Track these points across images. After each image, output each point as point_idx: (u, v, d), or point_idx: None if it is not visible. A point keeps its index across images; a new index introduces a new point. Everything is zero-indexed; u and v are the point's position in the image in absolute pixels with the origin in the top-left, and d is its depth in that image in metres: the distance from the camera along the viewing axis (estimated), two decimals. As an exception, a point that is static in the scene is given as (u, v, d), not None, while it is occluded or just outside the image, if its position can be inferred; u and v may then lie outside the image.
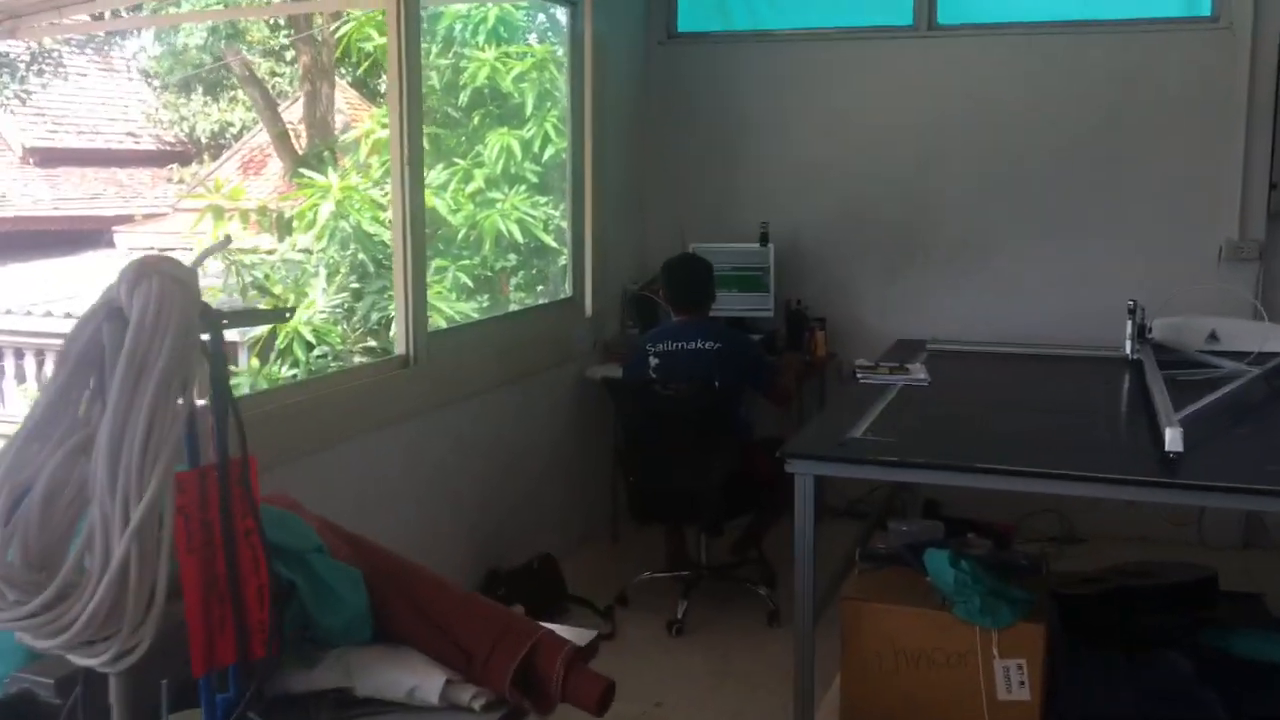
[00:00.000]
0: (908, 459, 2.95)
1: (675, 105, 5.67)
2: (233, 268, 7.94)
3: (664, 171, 5.70)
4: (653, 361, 4.38)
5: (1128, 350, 4.23)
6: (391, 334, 5.55)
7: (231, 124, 13.34)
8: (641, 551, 4.79)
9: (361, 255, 7.34)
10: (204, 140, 13.80)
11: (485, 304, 7.19)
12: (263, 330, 7.40)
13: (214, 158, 13.08)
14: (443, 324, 6.06)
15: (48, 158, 12.06)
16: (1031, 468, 2.82)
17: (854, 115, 5.40)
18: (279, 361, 7.45)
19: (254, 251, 8.19)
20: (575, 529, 5.00)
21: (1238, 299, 4.70)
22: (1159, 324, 4.33)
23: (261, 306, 7.85)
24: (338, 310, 7.89)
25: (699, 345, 4.34)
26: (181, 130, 14.24)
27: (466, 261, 7.09)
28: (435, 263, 6.81)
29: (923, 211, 5.34)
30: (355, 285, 7.71)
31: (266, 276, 8.17)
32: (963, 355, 4.58)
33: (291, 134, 10.08)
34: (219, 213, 8.42)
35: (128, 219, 11.58)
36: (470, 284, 6.85)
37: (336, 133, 9.60)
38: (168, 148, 14.49)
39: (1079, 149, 5.08)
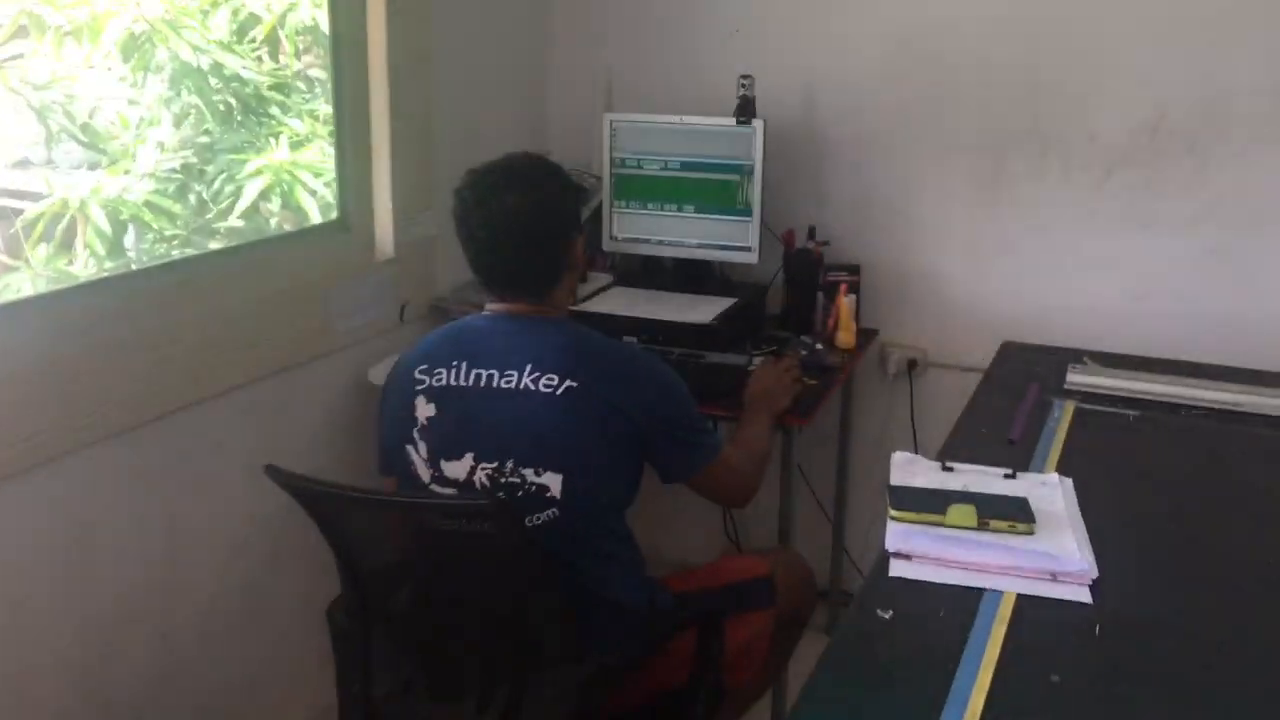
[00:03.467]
0: None
1: None
2: (32, 108, 5.34)
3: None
4: (422, 411, 1.87)
5: None
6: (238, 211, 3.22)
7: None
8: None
9: (195, 99, 4.78)
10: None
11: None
12: (46, 206, 4.91)
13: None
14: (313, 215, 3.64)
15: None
16: None
17: None
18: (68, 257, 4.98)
19: (55, 83, 5.57)
20: None
21: None
22: None
23: (90, 162, 5.32)
24: (174, 176, 5.30)
25: (528, 382, 1.81)
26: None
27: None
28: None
29: (1062, 64, 2.65)
30: (205, 139, 5.12)
31: (86, 125, 5.52)
32: (1170, 411, 1.99)
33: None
34: (37, 21, 5.78)
35: None
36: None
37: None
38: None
39: None
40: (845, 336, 2.68)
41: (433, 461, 1.84)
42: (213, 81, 3.93)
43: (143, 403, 2.02)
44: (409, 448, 1.87)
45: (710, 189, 2.75)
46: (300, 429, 2.40)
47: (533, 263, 1.86)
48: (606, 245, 2.86)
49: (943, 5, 2.69)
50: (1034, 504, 1.56)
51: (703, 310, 2.62)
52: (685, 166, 2.76)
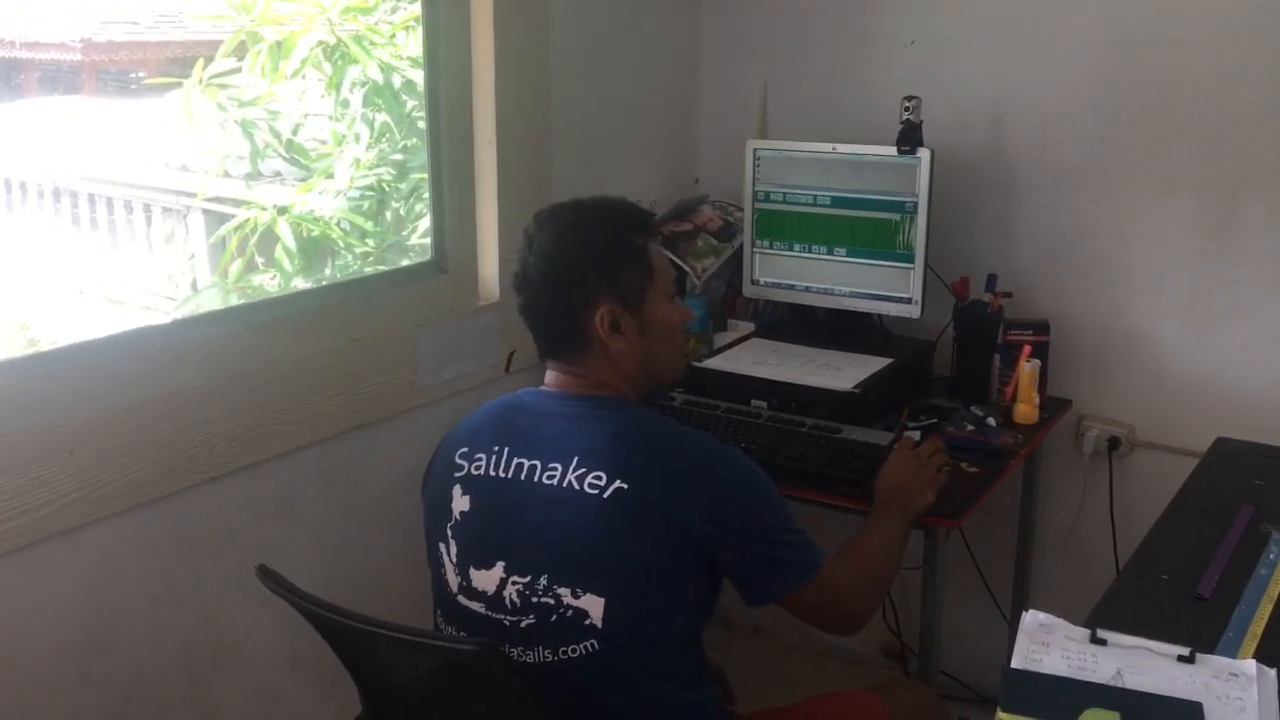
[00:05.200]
0: None
1: None
2: (237, 124, 5.38)
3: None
4: (457, 503, 1.57)
5: None
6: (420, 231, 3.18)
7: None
8: None
9: (385, 117, 4.67)
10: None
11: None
12: (235, 223, 4.89)
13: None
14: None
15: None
16: None
17: None
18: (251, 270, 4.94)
19: (257, 101, 5.56)
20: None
21: None
22: None
23: (294, 180, 5.31)
24: (369, 194, 5.20)
25: (572, 479, 1.49)
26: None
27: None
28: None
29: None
30: (398, 157, 5.01)
31: (289, 140, 5.51)
32: None
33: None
34: (254, 38, 5.83)
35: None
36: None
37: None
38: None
39: None
40: (1025, 410, 2.22)
41: (461, 567, 1.55)
42: (407, 100, 3.76)
43: (186, 464, 1.81)
44: (441, 545, 1.59)
45: (866, 229, 2.34)
46: (378, 493, 2.15)
47: (551, 315, 1.57)
48: (747, 290, 2.50)
49: (1166, 12, 2.19)
50: (1210, 712, 1.10)
51: (848, 373, 2.22)
52: (837, 202, 2.36)
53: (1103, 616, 1.31)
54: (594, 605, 1.45)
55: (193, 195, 4.24)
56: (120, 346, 1.77)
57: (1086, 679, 1.17)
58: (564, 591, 1.46)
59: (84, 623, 1.72)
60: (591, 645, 1.46)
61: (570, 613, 1.46)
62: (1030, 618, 1.27)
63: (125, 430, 1.70)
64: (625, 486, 1.45)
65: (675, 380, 1.79)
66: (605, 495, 1.45)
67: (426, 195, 3.47)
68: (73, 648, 1.71)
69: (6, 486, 1.57)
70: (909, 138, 2.25)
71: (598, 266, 1.54)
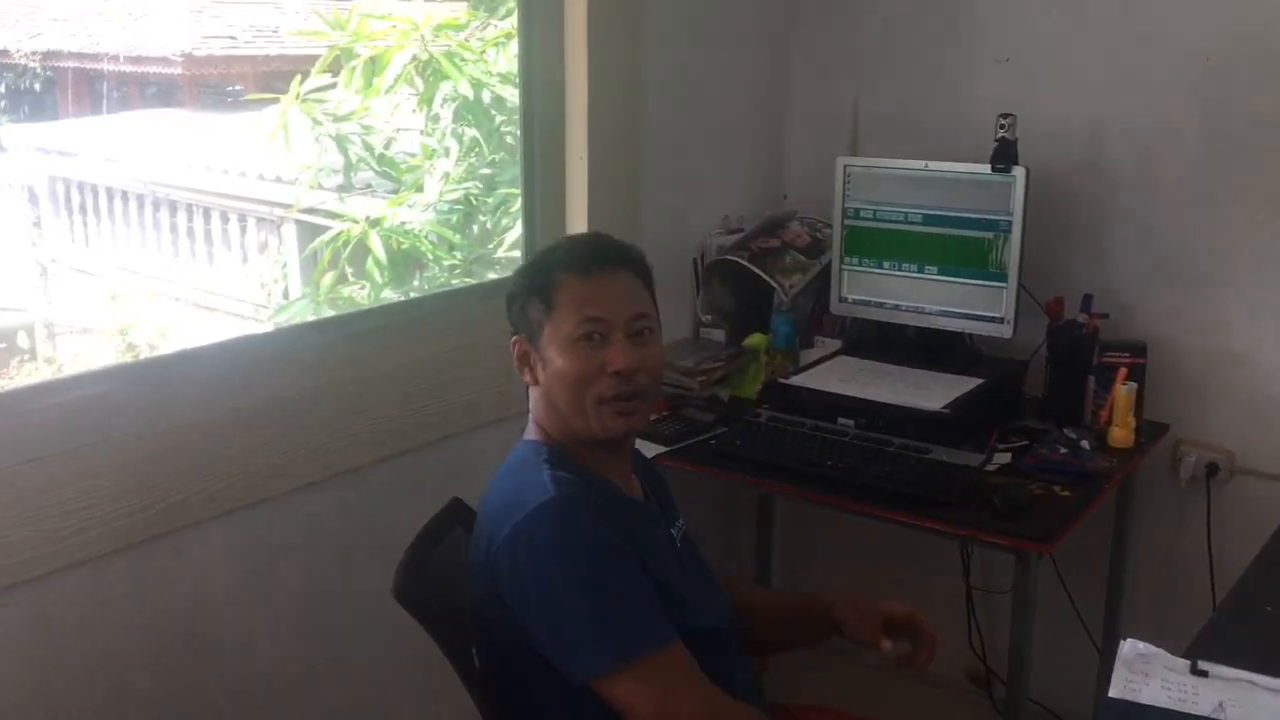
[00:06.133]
0: None
1: None
2: (331, 138, 5.45)
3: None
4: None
5: None
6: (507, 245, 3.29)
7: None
8: None
9: (474, 132, 4.73)
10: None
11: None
12: (328, 236, 4.99)
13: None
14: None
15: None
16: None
17: None
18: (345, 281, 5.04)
19: (351, 116, 5.61)
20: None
21: None
22: None
23: (385, 192, 5.41)
24: (457, 208, 5.25)
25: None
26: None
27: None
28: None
29: None
30: (486, 171, 5.06)
31: (381, 154, 5.59)
32: None
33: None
34: (349, 55, 5.90)
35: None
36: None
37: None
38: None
39: None
40: (1121, 434, 2.18)
41: None
42: (496, 116, 3.81)
43: (286, 469, 1.85)
44: None
45: (958, 247, 2.31)
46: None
47: None
48: (835, 308, 2.48)
49: (1271, 23, 2.14)
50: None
51: (938, 393, 2.19)
52: (929, 220, 2.34)
53: (1203, 647, 1.28)
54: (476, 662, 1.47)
55: (287, 206, 4.33)
56: (225, 354, 1.83)
57: (1187, 711, 1.15)
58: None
59: (184, 624, 1.77)
60: (485, 706, 1.45)
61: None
62: (1129, 646, 1.25)
63: (229, 435, 1.76)
64: (465, 530, 1.49)
65: (600, 439, 1.44)
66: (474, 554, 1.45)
67: (513, 209, 3.52)
68: (173, 649, 1.76)
69: (111, 489, 1.63)
70: (1004, 155, 2.23)
71: (515, 299, 1.49)
